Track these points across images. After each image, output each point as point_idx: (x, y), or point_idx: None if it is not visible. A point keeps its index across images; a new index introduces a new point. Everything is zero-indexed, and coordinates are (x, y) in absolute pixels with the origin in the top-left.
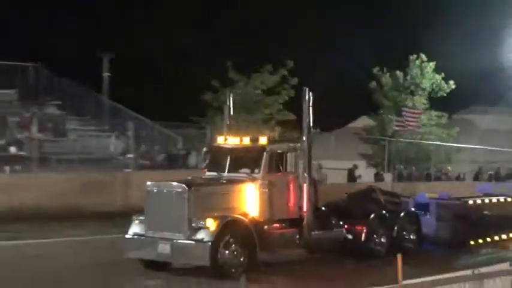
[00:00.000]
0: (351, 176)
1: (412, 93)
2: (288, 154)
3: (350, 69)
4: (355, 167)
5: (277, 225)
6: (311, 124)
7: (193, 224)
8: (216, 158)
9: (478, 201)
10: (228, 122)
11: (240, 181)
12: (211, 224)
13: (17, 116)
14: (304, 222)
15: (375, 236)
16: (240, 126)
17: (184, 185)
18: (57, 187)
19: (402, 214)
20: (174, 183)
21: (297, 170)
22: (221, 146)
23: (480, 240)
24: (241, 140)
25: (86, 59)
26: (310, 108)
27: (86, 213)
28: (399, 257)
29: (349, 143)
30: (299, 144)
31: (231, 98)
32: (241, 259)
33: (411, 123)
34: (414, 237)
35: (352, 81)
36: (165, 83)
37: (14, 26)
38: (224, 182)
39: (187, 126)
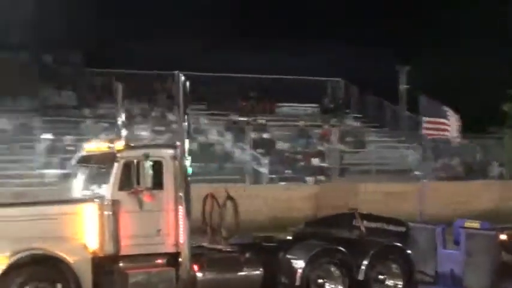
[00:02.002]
0: None
1: None
2: (155, 165)
3: None
4: None
5: (146, 262)
6: (186, 121)
7: None
8: (79, 171)
9: None
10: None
11: (72, 201)
12: None
13: (319, 129)
14: (181, 258)
15: (323, 280)
16: None
17: None
18: (359, 196)
19: (376, 250)
20: None
21: (171, 187)
22: (82, 155)
23: None
24: (97, 147)
25: (384, 71)
26: (181, 99)
27: None
28: None
29: None
30: (170, 151)
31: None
32: None
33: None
34: (399, 282)
35: None
36: (461, 93)
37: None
38: (43, 202)
39: (485, 137)
